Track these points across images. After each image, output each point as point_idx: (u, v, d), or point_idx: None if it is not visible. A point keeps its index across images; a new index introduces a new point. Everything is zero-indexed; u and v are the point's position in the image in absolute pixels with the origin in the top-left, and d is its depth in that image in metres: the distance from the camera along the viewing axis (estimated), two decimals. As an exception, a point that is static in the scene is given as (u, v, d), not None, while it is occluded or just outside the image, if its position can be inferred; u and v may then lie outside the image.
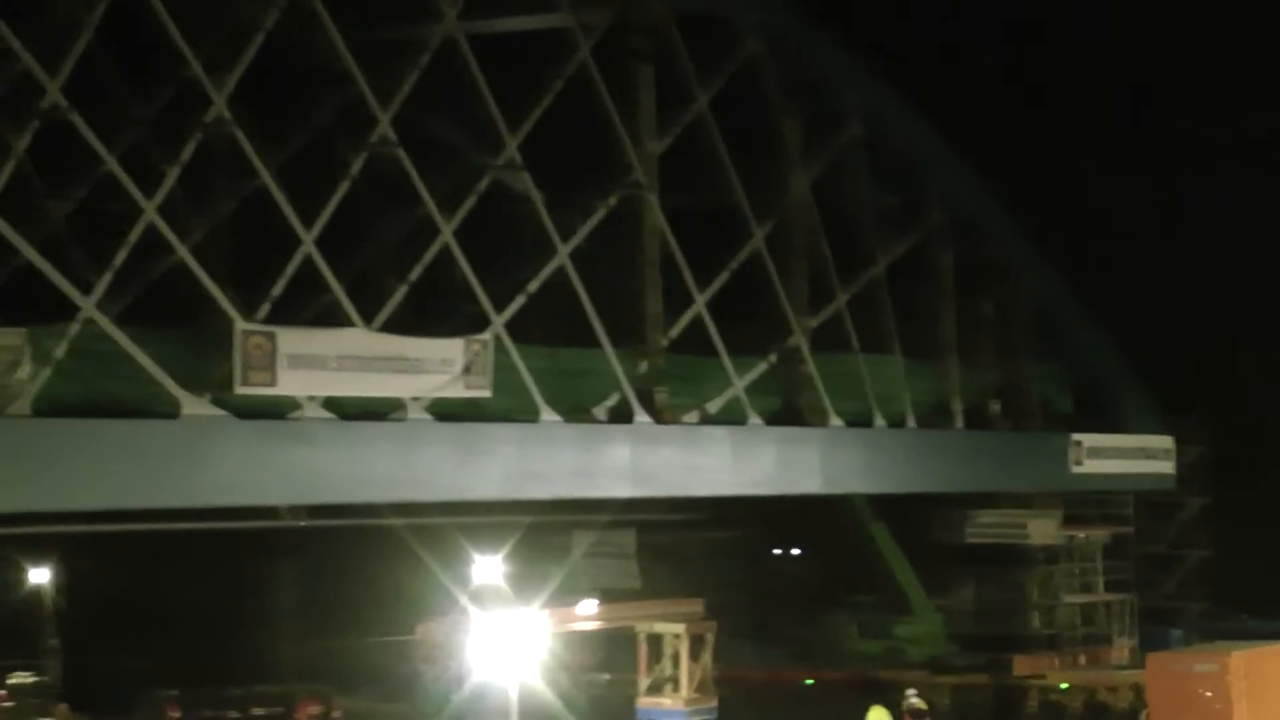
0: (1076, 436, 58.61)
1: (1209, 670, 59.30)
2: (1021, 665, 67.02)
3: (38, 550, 69.00)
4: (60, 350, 34.41)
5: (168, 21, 36.76)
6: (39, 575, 70.55)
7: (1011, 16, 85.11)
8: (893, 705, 58.05)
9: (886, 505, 68.22)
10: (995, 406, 56.18)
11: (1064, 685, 66.04)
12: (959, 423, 54.82)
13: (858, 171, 50.81)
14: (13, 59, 36.05)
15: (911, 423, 52.69)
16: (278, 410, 37.57)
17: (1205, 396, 69.48)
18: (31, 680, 68.16)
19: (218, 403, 36.40)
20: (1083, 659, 68.72)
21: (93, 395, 35.25)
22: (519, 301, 42.47)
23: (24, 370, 34.01)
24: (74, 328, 34.50)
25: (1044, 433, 58.10)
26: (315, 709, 62.24)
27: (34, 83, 35.44)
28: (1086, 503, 68.61)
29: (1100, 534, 70.51)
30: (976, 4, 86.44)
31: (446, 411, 40.54)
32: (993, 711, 66.10)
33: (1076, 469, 58.82)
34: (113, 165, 36.44)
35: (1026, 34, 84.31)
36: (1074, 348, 59.86)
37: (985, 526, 68.76)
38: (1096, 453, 59.10)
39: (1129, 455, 60.73)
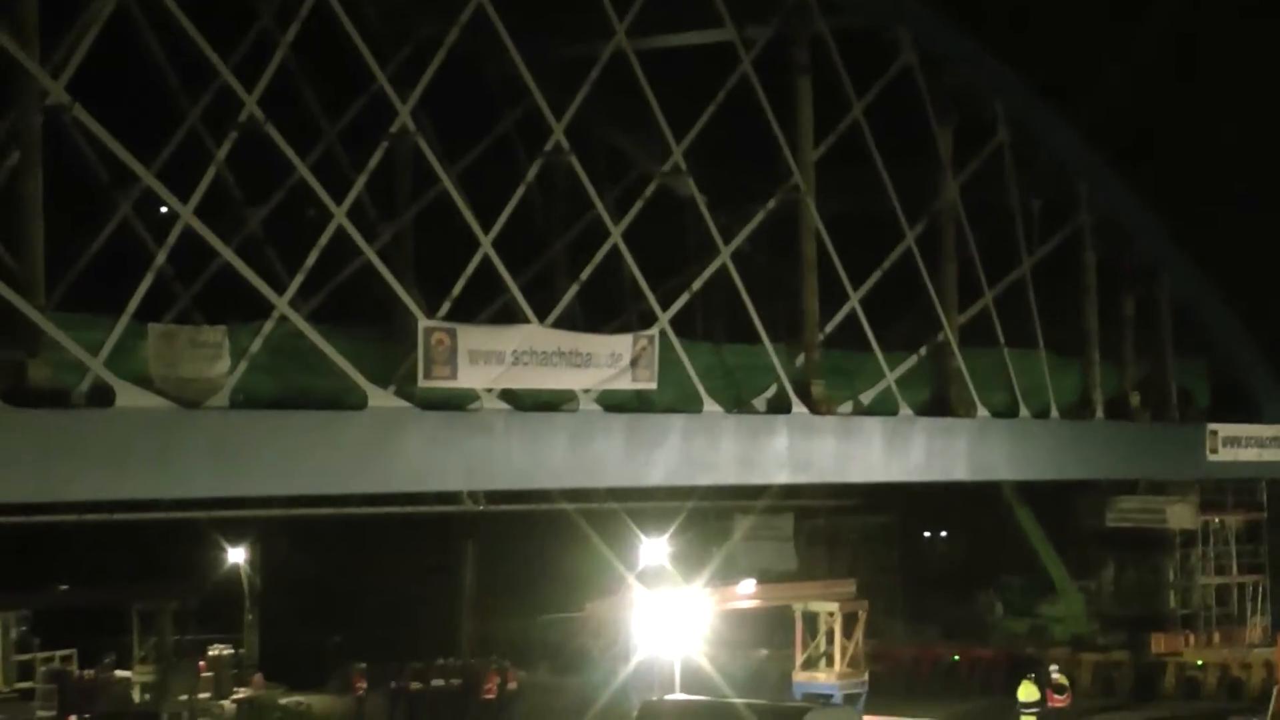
0: (1213, 426, 57.46)
1: (1340, 649, 58.71)
2: (1159, 643, 66.69)
3: (236, 532, 69.51)
4: (256, 346, 34.32)
5: (357, 40, 36.59)
6: (237, 555, 71.05)
7: (1158, 27, 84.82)
8: (1038, 680, 57.55)
9: (1031, 491, 67.84)
10: (1135, 398, 55.19)
11: (1199, 662, 65.51)
12: (1100, 414, 53.85)
13: (1006, 176, 50.06)
14: (214, 76, 36.11)
15: (1055, 414, 51.79)
16: (458, 402, 37.35)
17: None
18: (230, 653, 68.68)
19: (403, 395, 36.24)
20: (1217, 637, 68.25)
21: (287, 388, 35.19)
22: (683, 300, 41.97)
23: (223, 364, 34.02)
24: (269, 325, 34.38)
25: (1182, 423, 56.98)
26: (494, 681, 62.30)
27: (233, 97, 35.41)
28: (1222, 489, 68.24)
29: (1235, 519, 70.15)
30: (1119, 16, 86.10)
31: (615, 403, 40.18)
32: (1132, 687, 65.67)
33: (1212, 457, 57.65)
34: (305, 174, 36.38)
35: (1175, 45, 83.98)
36: (1214, 343, 58.72)
37: (1125, 512, 68.73)
38: (1232, 442, 57.98)
39: (1263, 444, 59.63)
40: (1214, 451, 57.47)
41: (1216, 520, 69.68)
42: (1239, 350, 59.52)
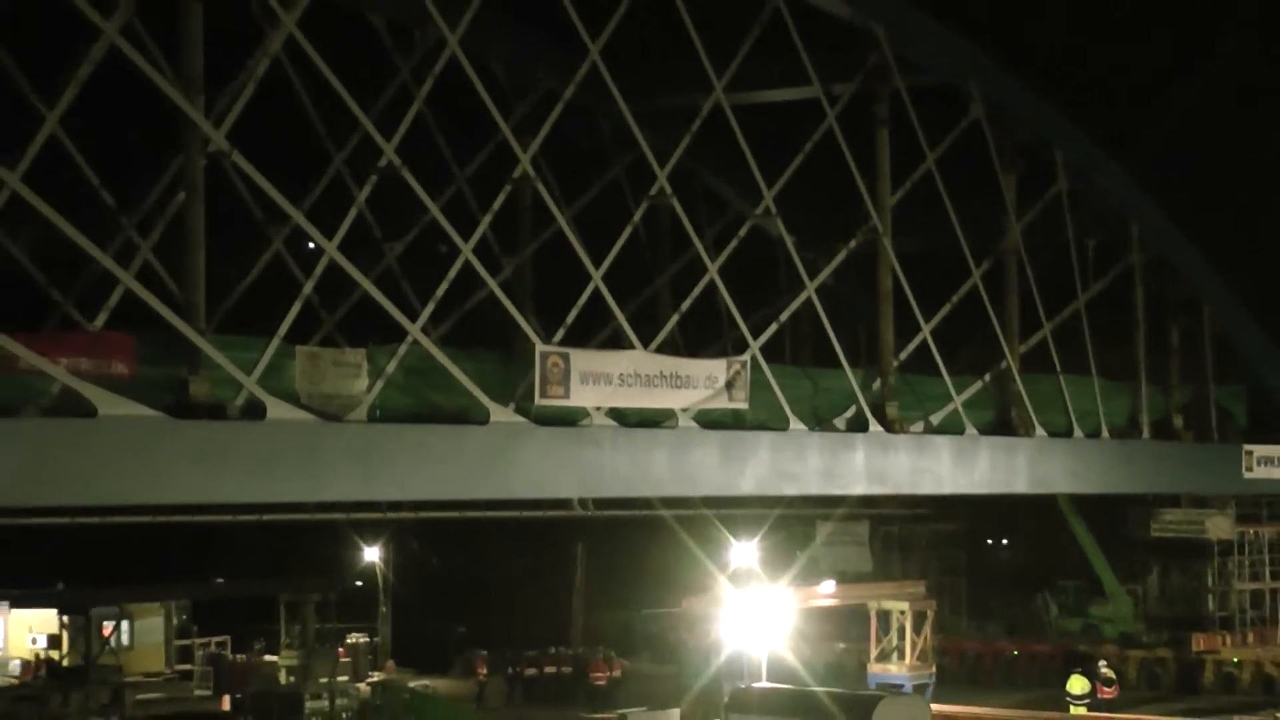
0: (1248, 447, 57.08)
1: (1364, 648, 58.17)
2: (1199, 642, 66.33)
3: (372, 532, 69.79)
4: (392, 367, 34.34)
5: (484, 95, 36.59)
6: (373, 554, 71.34)
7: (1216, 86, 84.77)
8: (1088, 674, 57.06)
9: (1085, 503, 67.39)
10: (1179, 420, 54.93)
11: (1236, 660, 64.96)
12: (1147, 434, 53.54)
13: (1064, 219, 49.73)
14: (357, 125, 36.18)
15: (1105, 434, 51.45)
16: (570, 418, 37.24)
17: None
18: (365, 640, 68.90)
19: (521, 412, 36.17)
20: (1252, 638, 67.71)
21: (418, 404, 35.21)
22: (773, 329, 41.82)
23: (362, 382, 34.05)
24: (404, 348, 34.39)
25: (1221, 443, 56.53)
26: (601, 668, 62.18)
27: (374, 145, 35.48)
28: (1257, 503, 67.79)
29: (1269, 531, 69.89)
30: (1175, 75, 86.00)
31: (711, 421, 39.99)
32: (1174, 681, 65.03)
33: (1248, 475, 57.24)
34: (437, 214, 36.36)
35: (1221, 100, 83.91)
36: (1251, 370, 58.28)
37: (1169, 523, 68.53)
38: (1266, 461, 57.57)
39: (1295, 463, 59.26)
40: (1249, 469, 57.09)
41: (1251, 532, 69.41)
42: (1275, 377, 58.94)
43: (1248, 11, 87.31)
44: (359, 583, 71.96)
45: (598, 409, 37.56)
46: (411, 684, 59.24)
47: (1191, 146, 78.58)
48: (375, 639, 70.19)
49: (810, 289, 42.25)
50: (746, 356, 40.45)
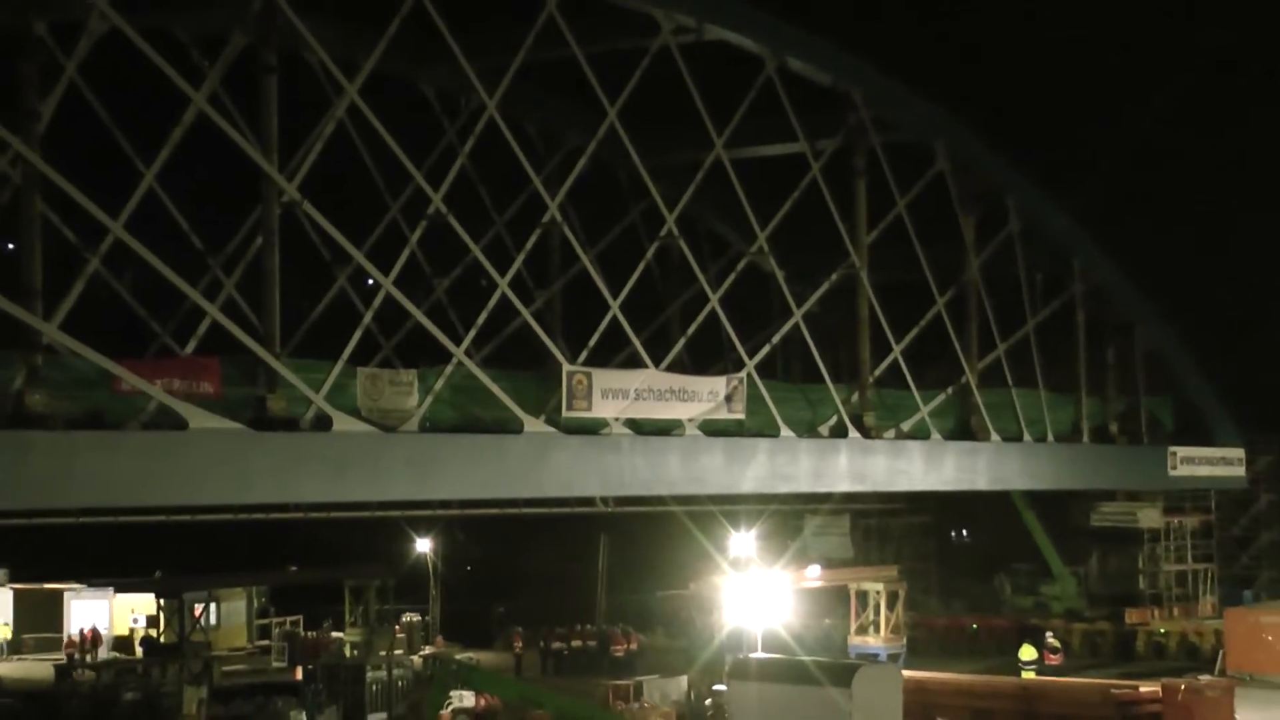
0: (1174, 449, 56.91)
1: (1273, 621, 57.76)
2: (1132, 616, 66.25)
3: (424, 527, 69.63)
4: (440, 385, 34.26)
5: (518, 151, 36.61)
6: (424, 545, 71.12)
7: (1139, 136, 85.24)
8: (1037, 643, 56.92)
9: (1035, 498, 67.15)
10: (1114, 426, 54.68)
11: (1164, 630, 64.71)
12: (1087, 438, 53.26)
13: (1016, 255, 49.60)
14: (409, 178, 36.14)
15: (1052, 439, 51.27)
16: (593, 428, 37.14)
17: (1277, 419, 67.23)
18: (418, 619, 68.76)
19: (551, 423, 36.06)
20: (1177, 611, 67.47)
21: (463, 417, 35.12)
22: (766, 350, 41.68)
23: (414, 399, 33.98)
24: (450, 369, 34.31)
25: (1150, 446, 56.27)
26: (622, 642, 62.02)
27: (423, 194, 35.45)
28: (1181, 497, 67.61)
29: (1191, 520, 69.70)
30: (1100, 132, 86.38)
31: (715, 429, 39.88)
32: (1112, 650, 64.91)
33: (1173, 473, 57.12)
34: (477, 253, 36.32)
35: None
36: (1177, 384, 58.00)
37: (1106, 514, 68.55)
38: (1189, 460, 57.48)
39: (1213, 463, 59.10)
40: (1174, 468, 56.97)
41: (1177, 521, 69.23)
42: (1197, 389, 58.77)
43: (1167, 78, 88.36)
44: (413, 570, 71.78)
45: (617, 420, 37.48)
46: (458, 656, 59.02)
47: (1126, 193, 78.79)
48: (427, 618, 69.98)
49: (798, 316, 42.14)
50: (744, 374, 40.37)
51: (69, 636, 64.07)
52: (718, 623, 55.57)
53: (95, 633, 64.08)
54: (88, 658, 61.11)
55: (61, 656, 61.97)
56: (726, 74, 41.06)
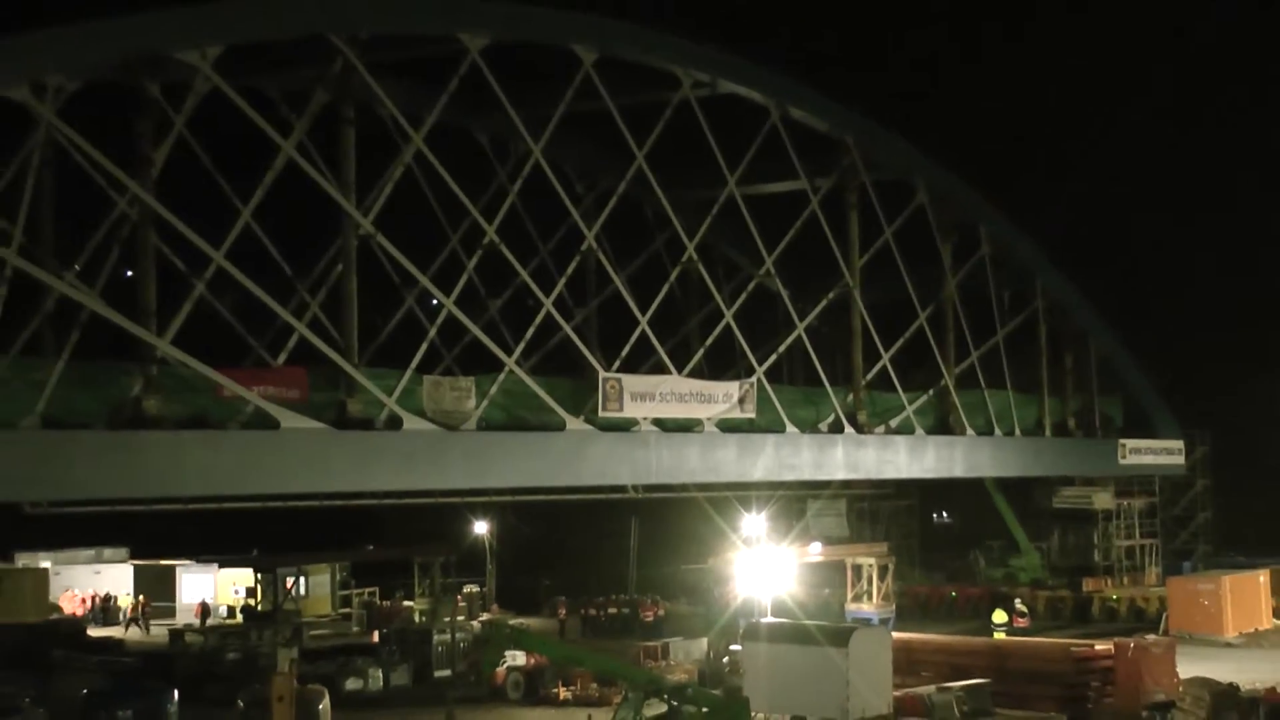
0: (1123, 441, 56.67)
1: (1209, 588, 57.40)
2: (1088, 584, 65.67)
3: (481, 511, 69.52)
4: (494, 390, 34.26)
5: (560, 190, 36.85)
6: (481, 527, 70.99)
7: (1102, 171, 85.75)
8: (1007, 608, 56.58)
9: (1004, 484, 66.71)
10: (1072, 422, 54.43)
11: (1115, 597, 64.19)
12: (1048, 432, 53.04)
13: (987, 276, 49.43)
14: (467, 213, 36.14)
15: (1018, 433, 51.01)
16: (625, 426, 37.12)
17: (1211, 415, 67.12)
18: (476, 590, 68.69)
19: (588, 422, 36.09)
20: (1127, 580, 66.96)
21: (513, 417, 35.15)
22: (773, 358, 41.85)
23: (472, 402, 33.96)
24: (502, 376, 34.33)
25: (1103, 439, 55.99)
26: (650, 609, 61.90)
27: (479, 227, 35.48)
28: (1130, 482, 67.05)
29: (1138, 502, 69.02)
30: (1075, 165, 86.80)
31: (729, 426, 39.82)
32: (1071, 613, 64.41)
33: (1123, 461, 56.93)
34: (525, 277, 36.38)
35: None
36: (1125, 385, 57.69)
37: (1066, 497, 68.02)
38: (1136, 451, 57.27)
39: (1157, 453, 58.87)
40: (1124, 458, 56.72)
41: (1126, 503, 68.58)
42: (1142, 390, 58.49)
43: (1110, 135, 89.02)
44: (472, 548, 71.67)
45: (645, 419, 37.45)
46: (510, 621, 58.90)
47: (1082, 224, 78.85)
48: (484, 589, 69.88)
49: (800, 329, 42.08)
50: (754, 379, 40.34)
51: (195, 607, 64.48)
52: (732, 592, 55.28)
53: (204, 605, 64.41)
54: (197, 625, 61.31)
55: (176, 623, 62.36)
56: (737, 122, 41.06)
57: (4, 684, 41.94)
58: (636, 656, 46.97)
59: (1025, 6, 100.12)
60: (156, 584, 68.68)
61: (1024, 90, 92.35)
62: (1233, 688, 40.07)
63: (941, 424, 47.75)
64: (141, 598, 65.84)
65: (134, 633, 61.95)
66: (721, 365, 42.85)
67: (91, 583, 68.36)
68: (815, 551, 60.53)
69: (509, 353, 34.84)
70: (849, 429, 43.79)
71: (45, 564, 66.99)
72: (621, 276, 40.19)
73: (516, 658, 44.54)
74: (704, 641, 49.90)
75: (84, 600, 66.61)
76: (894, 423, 45.57)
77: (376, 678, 46.85)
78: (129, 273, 31.49)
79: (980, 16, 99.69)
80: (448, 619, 58.65)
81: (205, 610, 63.78)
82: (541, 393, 35.16)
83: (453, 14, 33.60)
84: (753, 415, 40.21)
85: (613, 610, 62.37)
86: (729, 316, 40.12)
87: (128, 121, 30.44)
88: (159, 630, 61.08)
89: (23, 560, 67.52)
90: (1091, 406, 55.26)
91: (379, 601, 66.58)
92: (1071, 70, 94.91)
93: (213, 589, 67.49)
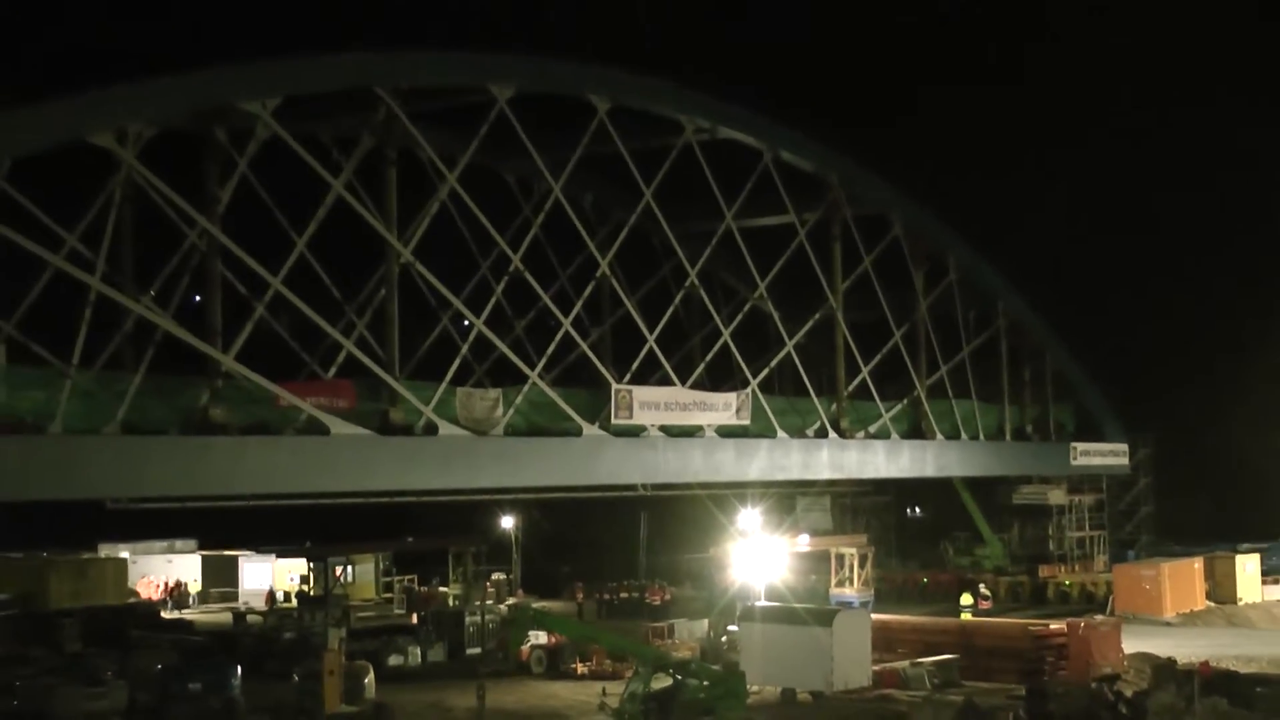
0: (1075, 444, 56.19)
1: (1150, 574, 57.32)
2: (1044, 571, 65.54)
3: (507, 507, 69.38)
4: (519, 400, 34.19)
5: (577, 222, 36.86)
6: (508, 521, 70.83)
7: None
8: (973, 592, 56.35)
9: (970, 482, 66.49)
10: (1030, 428, 54.09)
11: (1068, 582, 63.98)
12: (1009, 437, 52.59)
13: (955, 299, 49.08)
14: (495, 243, 36.10)
15: (982, 437, 50.63)
16: (635, 432, 37.00)
17: (1151, 421, 66.84)
18: (504, 577, 68.54)
19: (602, 428, 35.98)
20: (1078, 568, 66.69)
21: (536, 425, 35.05)
22: (766, 372, 41.48)
23: (499, 411, 33.88)
24: (526, 387, 34.26)
25: (1057, 443, 55.62)
26: (658, 594, 61.73)
27: (506, 255, 35.44)
28: (1080, 480, 66.82)
29: (1088, 498, 68.82)
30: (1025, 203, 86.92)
31: (728, 432, 39.69)
32: (1029, 597, 64.23)
33: (1074, 462, 56.40)
34: (546, 300, 36.35)
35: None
36: (1077, 396, 57.25)
37: (1025, 493, 67.83)
38: (1086, 453, 56.77)
39: (1104, 454, 58.41)
40: (1075, 459, 56.24)
41: (1077, 499, 68.35)
42: (1092, 400, 58.06)
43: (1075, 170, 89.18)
44: (500, 539, 71.47)
45: (653, 425, 37.32)
46: (534, 605, 58.76)
47: (1038, 252, 78.82)
48: (510, 576, 69.71)
49: (789, 346, 41.93)
50: (749, 390, 40.17)
51: (264, 595, 64.70)
52: (730, 579, 55.13)
53: (271, 592, 64.74)
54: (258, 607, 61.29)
55: (240, 605, 62.51)
56: (734, 163, 41.05)
57: (91, 658, 42.04)
58: (645, 635, 46.86)
59: (978, 55, 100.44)
60: (221, 572, 68.79)
61: (986, 131, 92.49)
62: (1171, 661, 40.00)
63: (914, 429, 47.53)
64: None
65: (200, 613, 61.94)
66: (720, 377, 42.70)
67: (164, 570, 68.68)
68: (803, 542, 60.38)
69: (532, 367, 34.80)
70: (833, 434, 43.64)
71: (124, 554, 67.10)
72: (632, 299, 40.11)
73: (539, 637, 44.45)
74: (705, 622, 49.78)
75: (158, 586, 66.97)
76: (873, 429, 45.36)
77: (415, 654, 46.82)
78: (198, 297, 31.60)
79: (953, 59, 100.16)
80: (478, 602, 58.50)
81: (272, 597, 64.16)
82: (561, 402, 35.10)
83: (483, 68, 33.66)
84: (748, 422, 40.07)
85: (624, 594, 62.20)
86: (727, 335, 40.03)
87: (198, 164, 30.61)
88: (223, 614, 61.09)
89: (105, 550, 67.64)
90: (1047, 414, 54.93)
91: (417, 587, 66.33)
92: (1029, 110, 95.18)
93: (271, 577, 67.40)
